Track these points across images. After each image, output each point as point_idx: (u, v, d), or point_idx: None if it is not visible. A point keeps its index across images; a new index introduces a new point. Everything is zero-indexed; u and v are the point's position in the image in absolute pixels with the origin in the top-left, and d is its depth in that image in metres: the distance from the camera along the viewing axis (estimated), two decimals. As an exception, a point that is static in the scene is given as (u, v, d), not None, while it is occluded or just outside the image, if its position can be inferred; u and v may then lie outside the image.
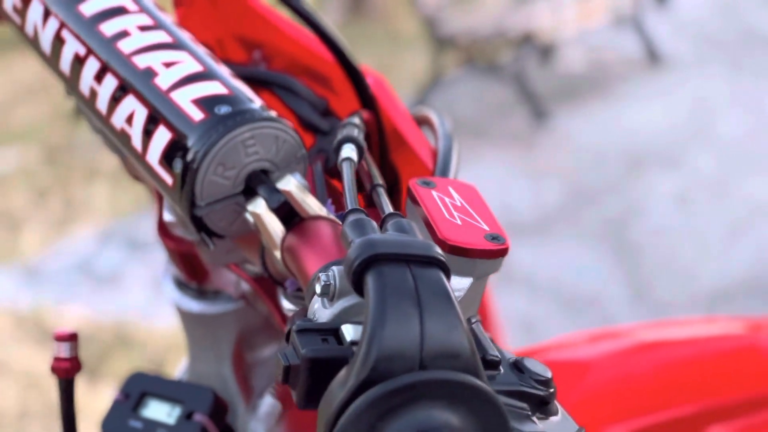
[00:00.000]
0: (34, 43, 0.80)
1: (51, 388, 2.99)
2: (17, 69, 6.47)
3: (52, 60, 0.78)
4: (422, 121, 0.88)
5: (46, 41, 0.78)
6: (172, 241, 0.84)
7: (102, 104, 0.74)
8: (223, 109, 0.69)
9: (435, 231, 0.64)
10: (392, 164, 0.83)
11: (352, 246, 0.55)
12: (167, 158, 0.70)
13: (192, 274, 0.87)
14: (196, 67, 0.72)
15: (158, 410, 0.84)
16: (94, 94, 0.75)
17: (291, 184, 0.69)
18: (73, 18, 0.76)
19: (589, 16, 5.86)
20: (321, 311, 0.61)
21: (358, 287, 0.54)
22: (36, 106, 5.88)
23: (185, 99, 0.70)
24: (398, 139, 0.84)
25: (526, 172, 4.71)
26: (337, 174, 0.79)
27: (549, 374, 0.60)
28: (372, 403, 0.51)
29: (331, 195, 0.76)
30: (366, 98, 0.83)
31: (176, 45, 0.74)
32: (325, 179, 0.78)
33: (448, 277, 0.55)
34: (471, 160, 4.60)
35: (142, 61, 0.73)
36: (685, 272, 3.78)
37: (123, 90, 0.73)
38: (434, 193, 0.67)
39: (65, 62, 0.77)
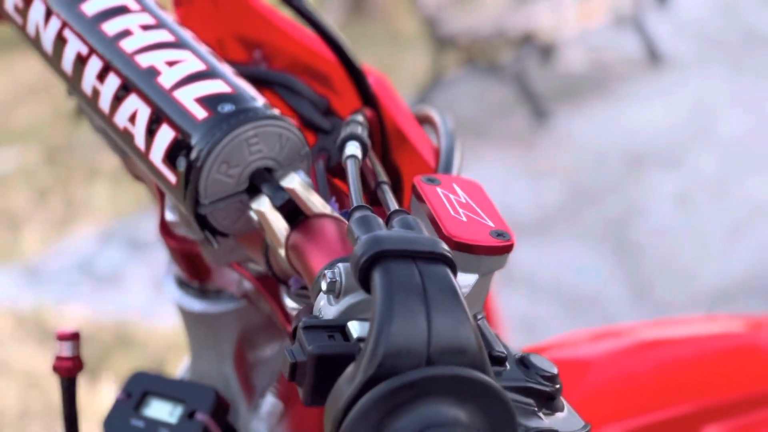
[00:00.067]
0: (35, 42, 0.80)
1: (52, 388, 3.00)
2: (18, 69, 6.47)
3: (53, 60, 0.78)
4: (424, 120, 0.88)
5: (47, 41, 0.78)
6: (173, 241, 0.84)
7: (104, 103, 0.74)
8: (227, 108, 0.69)
9: (440, 228, 0.64)
10: (394, 163, 0.83)
11: (359, 242, 0.55)
12: (171, 157, 0.70)
13: (194, 273, 0.87)
14: (199, 66, 0.72)
15: (160, 409, 0.84)
16: (96, 93, 0.75)
17: (295, 181, 0.70)
18: (75, 17, 0.76)
19: (589, 16, 5.86)
20: (327, 308, 0.61)
21: (365, 284, 0.55)
22: (37, 106, 5.88)
23: (188, 97, 0.70)
24: (400, 138, 0.84)
25: (526, 172, 4.71)
26: (338, 173, 0.79)
27: (555, 370, 0.60)
28: (380, 399, 0.51)
29: (333, 194, 0.77)
30: (367, 97, 0.83)
31: (179, 44, 0.74)
32: (327, 178, 0.78)
33: (455, 274, 0.55)
34: (471, 160, 4.59)
35: (144, 60, 0.73)
36: (686, 272, 3.78)
37: (126, 89, 0.72)
38: (439, 190, 0.67)
39: (67, 62, 0.77)
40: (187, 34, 0.76)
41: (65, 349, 0.80)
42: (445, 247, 0.55)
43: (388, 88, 0.86)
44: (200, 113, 0.69)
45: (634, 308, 3.54)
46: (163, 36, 0.74)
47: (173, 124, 0.70)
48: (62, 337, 0.80)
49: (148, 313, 3.53)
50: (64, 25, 0.77)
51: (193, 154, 0.68)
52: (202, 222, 0.70)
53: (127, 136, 0.73)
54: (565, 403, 0.61)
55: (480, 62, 5.75)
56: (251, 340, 0.89)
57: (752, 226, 4.10)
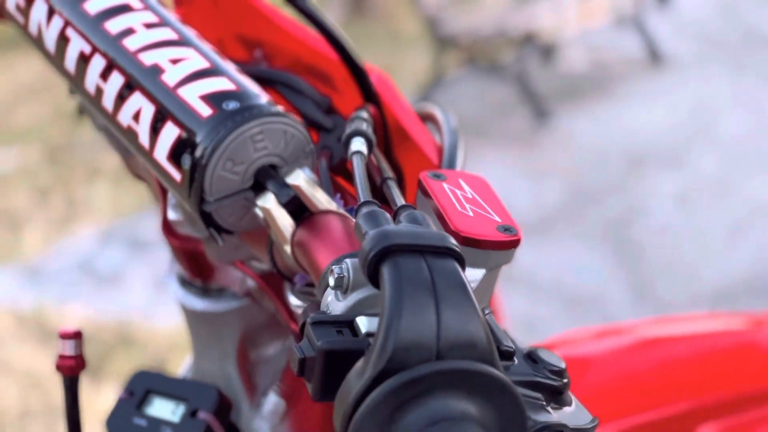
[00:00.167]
0: (37, 42, 0.80)
1: (53, 387, 3.00)
2: (19, 68, 6.47)
3: (56, 59, 0.78)
4: (427, 117, 0.88)
5: (50, 40, 0.78)
6: (176, 239, 0.84)
7: (108, 102, 0.74)
8: (231, 105, 0.69)
9: (447, 223, 0.64)
10: (396, 161, 0.83)
11: (367, 237, 0.55)
12: (175, 155, 0.70)
13: (196, 271, 0.87)
14: (202, 64, 0.72)
15: (163, 408, 0.84)
16: (99, 91, 0.74)
17: (300, 178, 0.69)
18: (77, 16, 0.76)
19: (590, 16, 5.86)
20: (334, 304, 0.61)
21: (374, 279, 0.54)
22: (37, 105, 5.88)
23: (193, 95, 0.70)
24: (402, 136, 0.84)
25: (527, 172, 4.71)
26: (341, 171, 0.79)
27: (563, 365, 0.60)
28: (389, 393, 0.51)
29: (336, 191, 0.77)
30: (370, 95, 0.83)
31: (182, 42, 0.74)
32: (330, 176, 0.78)
33: (463, 268, 0.55)
34: (472, 160, 4.59)
35: (148, 58, 0.73)
36: (687, 272, 3.78)
37: (129, 87, 0.72)
38: (445, 185, 0.67)
39: (70, 60, 0.77)
40: (191, 32, 0.76)
41: (68, 348, 0.80)
42: (453, 241, 0.55)
43: (390, 86, 0.86)
44: (205, 110, 0.69)
45: (635, 308, 3.54)
46: (166, 34, 0.74)
47: (178, 122, 0.70)
48: (65, 336, 0.80)
49: (149, 313, 3.53)
50: (67, 23, 0.77)
51: (198, 152, 0.68)
52: (208, 219, 0.70)
53: (131, 134, 0.73)
54: (572, 397, 0.61)
55: (481, 62, 5.75)
56: (254, 339, 0.89)
57: (753, 226, 4.10)
